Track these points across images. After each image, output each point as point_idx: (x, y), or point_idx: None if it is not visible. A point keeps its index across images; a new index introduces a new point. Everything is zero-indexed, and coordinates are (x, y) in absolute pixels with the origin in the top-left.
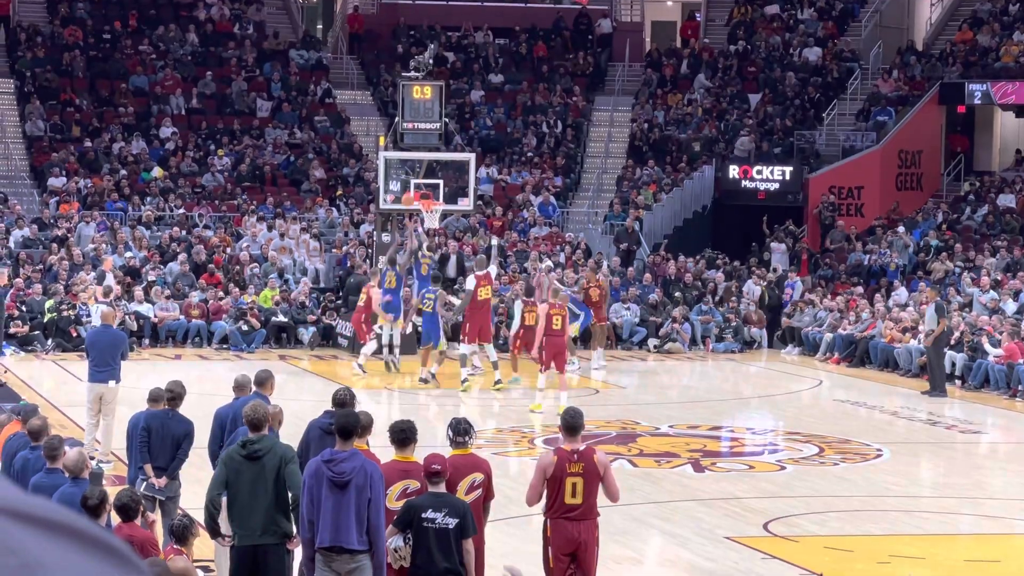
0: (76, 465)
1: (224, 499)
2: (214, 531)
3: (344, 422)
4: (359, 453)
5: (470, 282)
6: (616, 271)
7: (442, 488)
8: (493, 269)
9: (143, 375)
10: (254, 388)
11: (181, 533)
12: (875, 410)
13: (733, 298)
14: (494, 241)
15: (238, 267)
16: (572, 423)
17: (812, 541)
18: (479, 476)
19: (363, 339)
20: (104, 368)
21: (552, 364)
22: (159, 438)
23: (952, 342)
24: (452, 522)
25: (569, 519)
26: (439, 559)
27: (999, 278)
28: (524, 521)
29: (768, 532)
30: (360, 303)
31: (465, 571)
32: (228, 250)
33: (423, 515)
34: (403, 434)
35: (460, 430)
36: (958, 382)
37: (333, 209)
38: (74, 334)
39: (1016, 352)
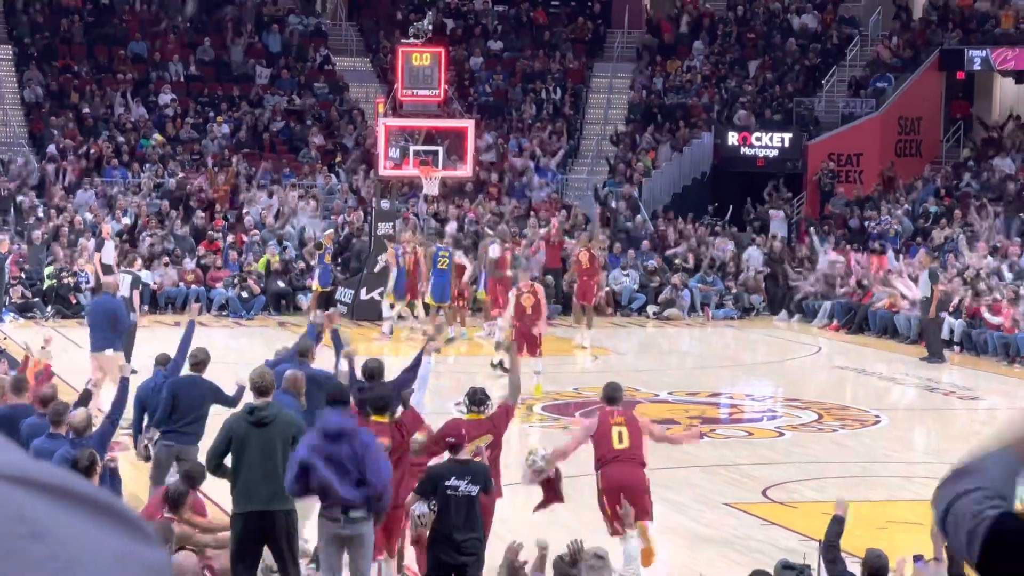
0: (82, 424)
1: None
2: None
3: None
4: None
5: (494, 250)
6: (618, 238)
7: (463, 456)
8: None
9: (143, 341)
10: (299, 359)
11: (176, 500)
12: (873, 376)
13: (733, 263)
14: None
15: (239, 234)
16: (612, 394)
17: (810, 507)
18: (488, 438)
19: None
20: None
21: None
22: (186, 402)
23: (951, 309)
24: (475, 489)
25: (617, 462)
26: (462, 526)
27: (998, 244)
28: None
29: (767, 498)
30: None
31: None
32: (228, 217)
33: (446, 483)
34: (382, 401)
35: (476, 400)
36: (956, 348)
37: (332, 176)
38: (73, 301)
39: (1016, 320)
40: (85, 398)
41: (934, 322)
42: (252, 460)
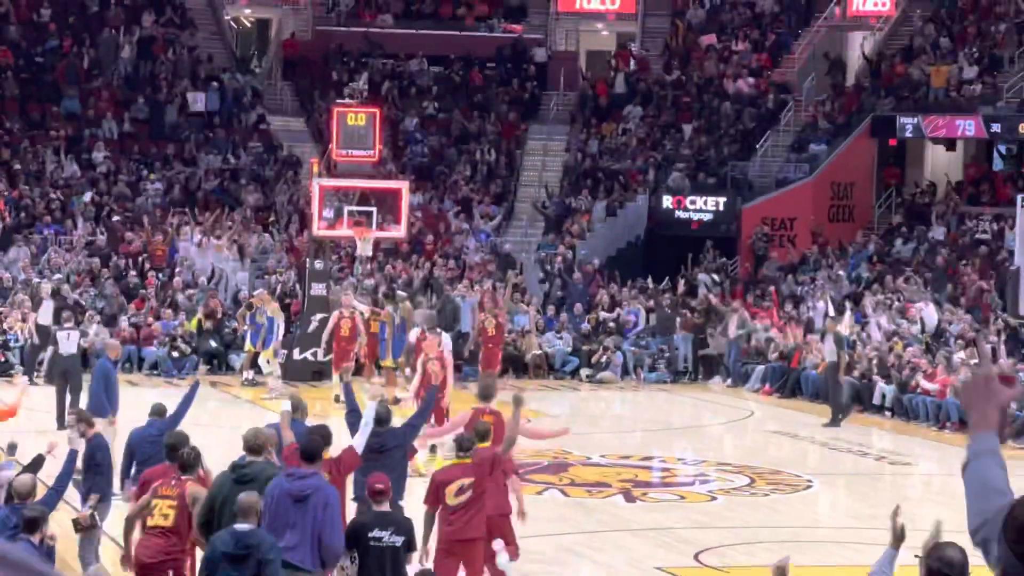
0: (26, 490)
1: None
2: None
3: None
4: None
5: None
6: (552, 300)
7: (386, 507)
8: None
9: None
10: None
11: (191, 462)
12: (805, 441)
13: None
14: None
15: (171, 293)
16: (486, 392)
17: (742, 572)
18: (468, 480)
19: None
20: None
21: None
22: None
23: (887, 373)
24: (399, 540)
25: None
26: None
27: (929, 308)
28: None
29: (699, 563)
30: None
31: None
32: (160, 275)
33: (370, 534)
34: (309, 454)
35: (463, 446)
36: (888, 414)
37: (266, 235)
38: (1, 359)
39: (947, 386)
40: (36, 463)
41: (837, 386)
42: (230, 517)
